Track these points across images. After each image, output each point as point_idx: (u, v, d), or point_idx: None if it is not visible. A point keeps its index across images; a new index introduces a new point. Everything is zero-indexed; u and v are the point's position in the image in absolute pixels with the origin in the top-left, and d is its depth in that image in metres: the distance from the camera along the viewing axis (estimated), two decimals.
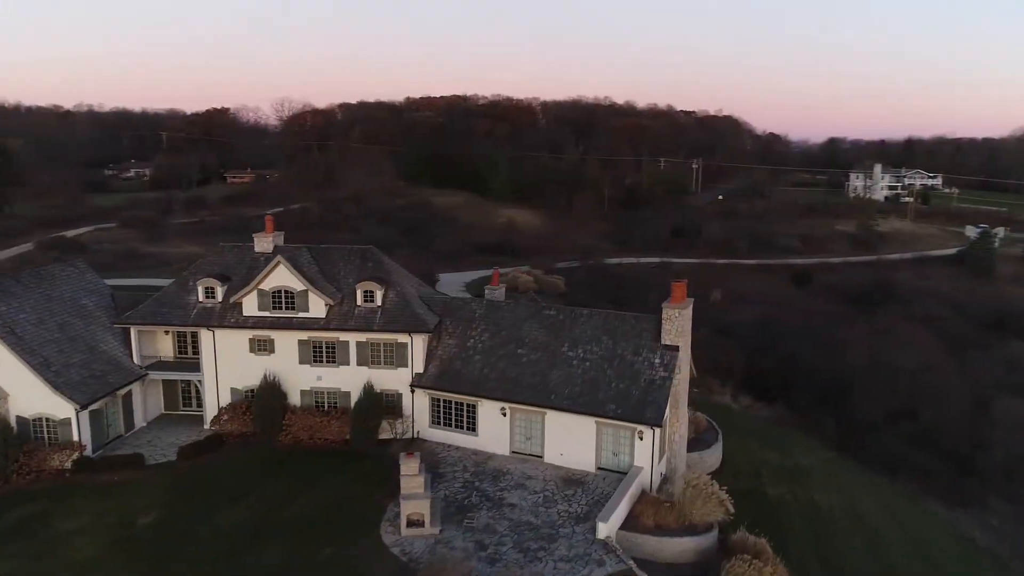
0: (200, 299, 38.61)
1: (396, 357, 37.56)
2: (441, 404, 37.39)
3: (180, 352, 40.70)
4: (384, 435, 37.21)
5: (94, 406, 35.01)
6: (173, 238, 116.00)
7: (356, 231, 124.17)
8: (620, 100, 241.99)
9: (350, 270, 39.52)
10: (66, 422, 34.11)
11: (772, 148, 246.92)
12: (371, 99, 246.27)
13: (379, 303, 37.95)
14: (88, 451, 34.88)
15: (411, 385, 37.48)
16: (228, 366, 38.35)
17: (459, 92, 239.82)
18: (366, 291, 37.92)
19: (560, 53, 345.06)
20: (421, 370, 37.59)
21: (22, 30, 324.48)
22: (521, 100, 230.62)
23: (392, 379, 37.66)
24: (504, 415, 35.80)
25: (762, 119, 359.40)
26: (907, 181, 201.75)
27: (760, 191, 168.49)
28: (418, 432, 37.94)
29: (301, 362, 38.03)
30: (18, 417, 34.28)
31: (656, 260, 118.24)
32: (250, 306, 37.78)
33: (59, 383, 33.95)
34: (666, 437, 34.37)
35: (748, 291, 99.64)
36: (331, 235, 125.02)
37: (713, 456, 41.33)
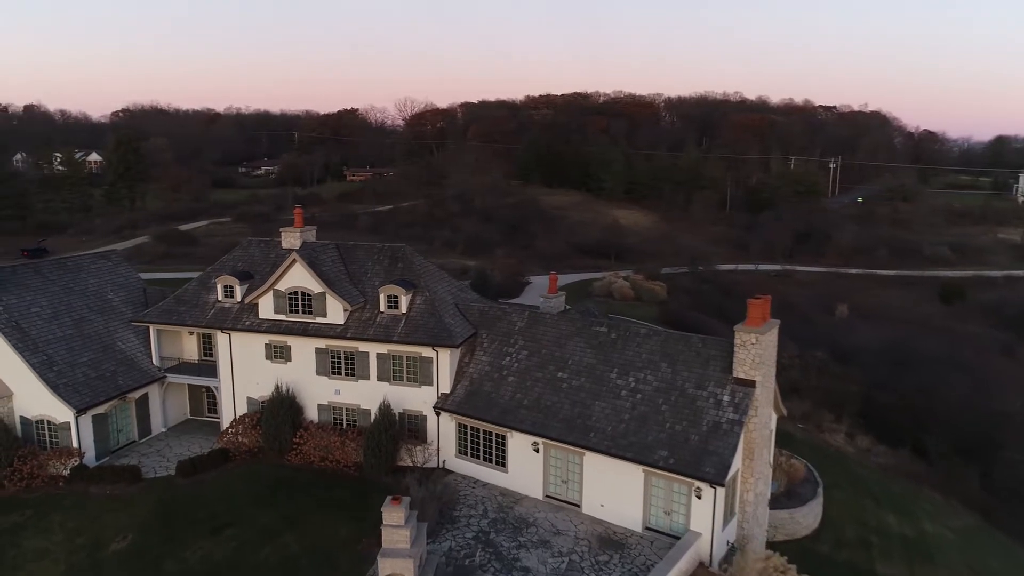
0: (219, 298, 35.37)
1: (420, 373, 32.47)
2: (468, 431, 31.89)
3: (206, 353, 37.81)
4: (406, 462, 32.27)
5: (98, 410, 32.46)
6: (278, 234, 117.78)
7: (455, 228, 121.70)
8: (751, 95, 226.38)
9: (377, 271, 34.88)
10: (65, 427, 31.74)
11: (925, 146, 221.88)
12: (492, 98, 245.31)
13: (404, 310, 33.00)
14: (90, 457, 32.39)
15: (436, 407, 32.26)
16: (244, 373, 34.85)
17: (580, 90, 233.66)
18: (390, 296, 33.10)
19: (685, 47, 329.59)
20: (448, 390, 32.28)
21: (176, 39, 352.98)
22: (643, 96, 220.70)
23: (415, 398, 32.61)
24: (536, 451, 29.75)
25: (916, 115, 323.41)
26: None
27: (906, 194, 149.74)
28: (444, 461, 32.65)
29: (318, 373, 33.82)
30: (22, 418, 32.34)
31: (777, 268, 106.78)
32: (266, 308, 34.03)
33: (58, 384, 31.61)
34: (735, 496, 27.00)
35: (881, 307, 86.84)
36: (431, 232, 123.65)
37: (809, 516, 33.26)
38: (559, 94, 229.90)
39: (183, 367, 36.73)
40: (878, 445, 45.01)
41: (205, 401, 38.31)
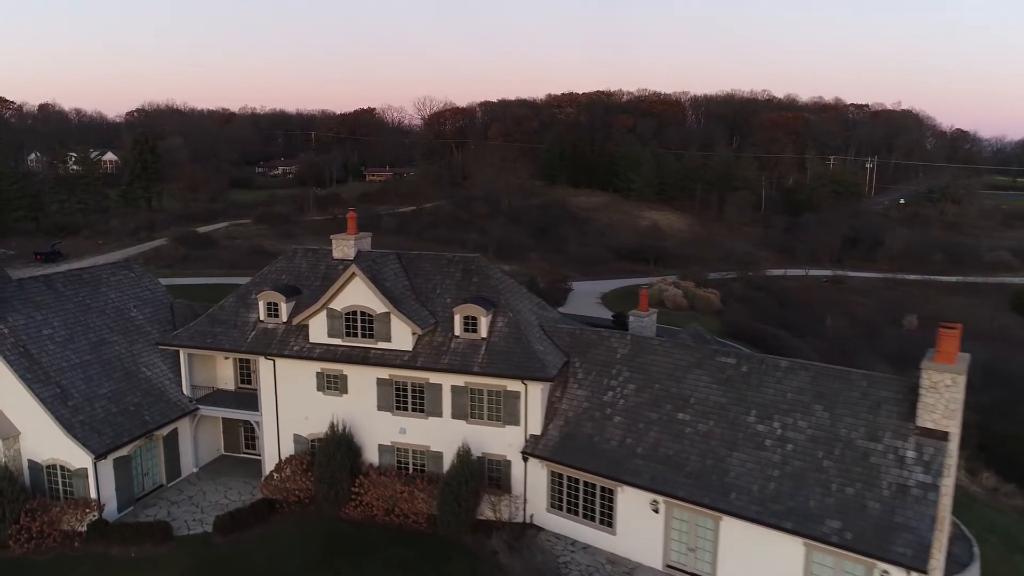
0: (261, 317, 30.10)
1: (505, 411, 27.06)
2: (565, 482, 26.45)
3: (243, 381, 32.58)
4: (486, 515, 26.90)
5: (120, 452, 27.23)
6: (304, 236, 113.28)
7: (483, 231, 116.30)
8: (780, 94, 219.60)
9: (448, 287, 29.49)
10: (82, 473, 26.51)
11: (959, 146, 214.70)
12: (512, 97, 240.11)
13: (484, 334, 27.58)
14: (111, 508, 27.18)
15: (523, 452, 26.83)
16: (291, 406, 29.56)
17: (603, 88, 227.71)
18: (467, 317, 27.68)
19: (707, 45, 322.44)
20: (538, 431, 26.85)
21: (190, 39, 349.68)
22: (669, 95, 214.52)
23: (498, 440, 27.21)
24: (656, 511, 24.26)
25: (947, 113, 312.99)
26: None
27: (952, 195, 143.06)
28: (531, 516, 27.24)
29: (380, 408, 28.48)
30: (31, 463, 27.17)
31: (828, 273, 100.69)
32: (318, 330, 28.71)
33: (74, 423, 26.39)
34: None
35: (950, 317, 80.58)
36: (459, 235, 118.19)
37: None
38: (582, 92, 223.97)
39: (218, 397, 31.49)
40: (1005, 483, 39.23)
41: (242, 435, 33.07)
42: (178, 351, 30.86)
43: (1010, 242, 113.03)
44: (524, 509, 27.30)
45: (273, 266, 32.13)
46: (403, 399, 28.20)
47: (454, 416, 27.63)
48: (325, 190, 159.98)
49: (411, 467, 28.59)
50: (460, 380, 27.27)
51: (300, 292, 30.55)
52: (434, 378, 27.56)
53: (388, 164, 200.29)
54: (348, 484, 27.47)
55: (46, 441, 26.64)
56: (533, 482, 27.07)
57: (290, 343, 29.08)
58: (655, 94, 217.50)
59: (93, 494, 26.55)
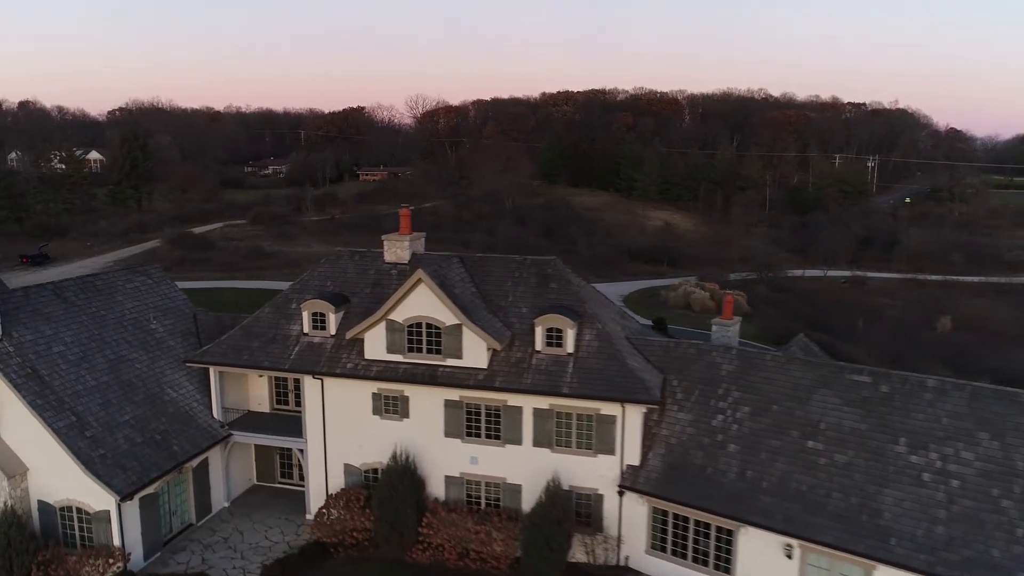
0: (305, 330, 26.20)
1: (597, 437, 23.41)
2: (670, 520, 22.84)
3: (279, 401, 28.68)
4: (576, 557, 23.24)
5: (147, 490, 23.24)
6: (302, 236, 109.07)
7: (491, 231, 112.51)
8: (776, 92, 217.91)
9: (522, 294, 25.78)
10: (103, 516, 22.51)
11: (955, 145, 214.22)
12: (505, 95, 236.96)
13: (570, 349, 23.91)
14: (137, 556, 23.20)
15: (620, 485, 23.19)
16: (342, 432, 25.71)
17: (597, 86, 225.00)
18: (551, 330, 23.99)
19: (698, 43, 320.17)
20: (637, 461, 23.23)
21: (174, 37, 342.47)
22: (666, 93, 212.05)
23: (587, 472, 23.56)
24: (790, 557, 20.71)
25: (942, 113, 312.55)
26: None
27: (959, 193, 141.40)
28: (627, 558, 23.62)
29: (448, 434, 24.70)
30: (41, 504, 23.12)
31: (847, 274, 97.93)
32: (375, 345, 24.88)
33: (93, 457, 22.37)
34: None
35: (982, 319, 78.00)
36: (464, 235, 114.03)
37: None
38: (577, 91, 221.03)
39: (252, 421, 27.54)
40: None
41: (277, 463, 29.16)
42: (207, 369, 26.91)
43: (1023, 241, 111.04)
44: (619, 551, 23.67)
45: (316, 271, 28.21)
46: (475, 424, 24.46)
47: (536, 444, 23.94)
48: (320, 190, 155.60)
49: (483, 502, 24.85)
50: (544, 402, 23.58)
51: (348, 301, 26.71)
52: (513, 400, 23.84)
53: (382, 163, 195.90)
54: (415, 523, 23.68)
55: (60, 479, 22.62)
56: (630, 519, 23.46)
57: (342, 360, 25.22)
58: (652, 92, 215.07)
59: (116, 540, 22.55)
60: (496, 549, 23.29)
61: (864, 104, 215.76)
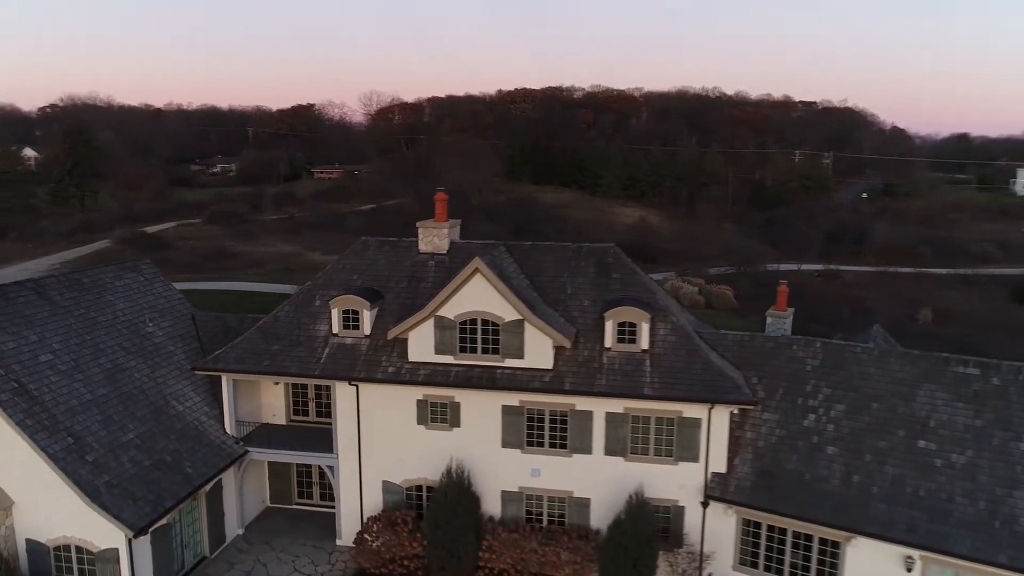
0: (335, 330, 22.98)
1: (679, 443, 20.95)
2: (763, 533, 20.55)
3: (297, 411, 25.35)
4: None
5: (161, 521, 19.71)
6: (263, 235, 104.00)
7: (462, 228, 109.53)
8: (729, 91, 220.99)
9: (582, 286, 23.14)
10: (110, 556, 18.91)
11: (899, 143, 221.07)
12: (460, 93, 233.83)
13: (645, 345, 21.39)
14: None
15: (708, 495, 20.80)
16: (380, 445, 22.61)
17: (554, 84, 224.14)
18: (622, 324, 21.42)
19: (648, 41, 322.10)
20: (723, 468, 20.86)
21: (109, 30, 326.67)
22: (624, 90, 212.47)
23: (667, 481, 21.09)
24: (910, 571, 18.63)
25: (886, 112, 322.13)
26: None
27: (915, 189, 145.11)
28: (710, 575, 21.21)
29: (506, 444, 21.89)
30: (31, 544, 19.36)
31: (820, 268, 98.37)
32: (421, 345, 21.87)
33: (98, 486, 18.76)
34: None
35: (959, 311, 78.97)
36: None
37: None
38: (535, 88, 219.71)
39: (269, 436, 24.12)
40: None
41: (294, 481, 25.78)
42: (215, 378, 23.43)
43: (986, 235, 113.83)
44: (701, 569, 21.27)
45: (341, 262, 24.95)
46: (538, 432, 21.71)
47: (608, 452, 21.34)
48: (275, 188, 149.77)
49: (545, 519, 22.12)
50: (619, 406, 21.00)
51: (382, 297, 23.60)
52: (583, 404, 21.18)
53: (338, 162, 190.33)
54: (475, 547, 20.81)
55: (54, 513, 18.94)
56: (714, 533, 21.09)
57: (381, 363, 22.13)
58: (609, 90, 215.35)
59: None
60: (564, 571, 20.62)
61: (815, 103, 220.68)
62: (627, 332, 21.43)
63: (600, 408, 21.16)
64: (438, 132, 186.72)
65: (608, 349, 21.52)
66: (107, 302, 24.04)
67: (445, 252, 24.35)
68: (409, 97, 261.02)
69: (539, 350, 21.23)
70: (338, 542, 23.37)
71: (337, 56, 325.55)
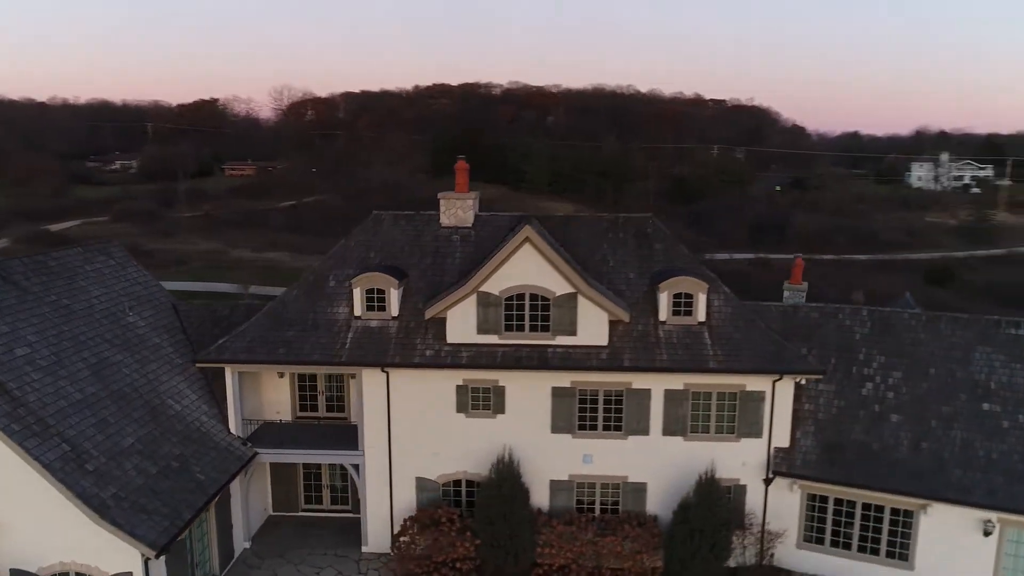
0: (357, 312, 20.57)
1: (741, 419, 19.90)
2: (830, 507, 19.79)
3: (304, 407, 22.67)
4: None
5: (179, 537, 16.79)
6: (181, 233, 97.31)
7: None
8: (643, 88, 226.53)
9: (624, 258, 21.73)
10: None
11: (799, 140, 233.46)
12: (374, 88, 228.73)
13: (701, 317, 20.22)
14: None
15: (773, 471, 19.84)
16: (413, 439, 20.40)
17: (470, 80, 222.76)
18: (678, 295, 20.17)
19: (559, 40, 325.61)
20: (786, 443, 19.97)
21: None
22: (542, 87, 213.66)
23: (728, 459, 19.99)
24: (988, 534, 18.29)
25: (787, 110, 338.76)
26: (955, 172, 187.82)
27: (825, 183, 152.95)
28: (772, 555, 20.30)
29: (556, 430, 20.18)
30: (16, 574, 16.03)
31: (751, 256, 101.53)
32: (462, 325, 19.83)
33: (105, 500, 15.73)
34: None
35: (886, 293, 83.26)
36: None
37: None
38: (454, 84, 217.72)
39: (274, 435, 21.40)
40: None
41: (300, 485, 23.07)
42: (210, 372, 20.55)
43: (892, 223, 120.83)
44: (762, 546, 20.32)
45: (356, 238, 22.46)
46: (591, 414, 20.12)
47: (666, 432, 20.02)
48: (184, 184, 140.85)
49: (597, 508, 20.58)
50: (678, 382, 19.72)
51: (406, 275, 21.36)
52: (640, 382, 19.77)
53: (249, 158, 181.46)
54: (532, 541, 19.01)
55: (47, 536, 15.78)
56: (777, 511, 20.19)
57: (417, 346, 19.92)
58: (527, 86, 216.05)
59: None
60: (625, 558, 19.18)
61: (724, 101, 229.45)
62: (683, 304, 20.18)
63: (659, 385, 19.79)
64: (356, 128, 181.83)
65: (663, 323, 20.20)
66: (80, 288, 20.63)
67: (470, 225, 22.36)
68: (322, 92, 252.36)
69: (593, 326, 19.65)
70: (363, 549, 20.97)
71: (241, 50, 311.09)
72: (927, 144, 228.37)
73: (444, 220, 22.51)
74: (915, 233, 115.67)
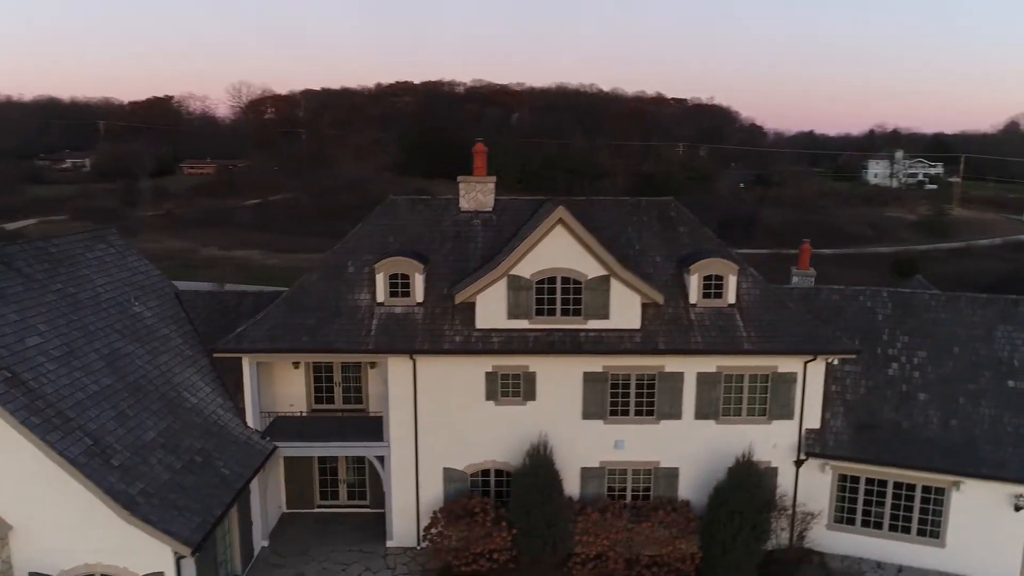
0: (379, 298, 19.89)
1: (773, 401, 19.82)
2: (861, 487, 19.85)
3: (320, 399, 21.86)
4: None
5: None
6: (145, 231, 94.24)
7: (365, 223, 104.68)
8: (606, 87, 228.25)
9: (650, 241, 21.48)
10: None
11: (756, 139, 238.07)
12: (335, 86, 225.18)
13: (731, 299, 20.09)
14: None
15: (806, 452, 19.81)
16: (439, 428, 19.80)
17: (432, 78, 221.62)
18: (709, 278, 19.99)
19: (528, 37, 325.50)
20: (817, 424, 19.96)
21: None
22: (505, 85, 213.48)
23: (759, 442, 19.86)
24: (1019, 508, 18.54)
25: (745, 109, 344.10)
26: (909, 169, 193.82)
27: (784, 179, 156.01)
28: (803, 535, 20.27)
29: (587, 416, 19.81)
30: None
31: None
32: (492, 310, 19.32)
33: (134, 496, 14.81)
34: None
35: (858, 283, 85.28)
36: (338, 226, 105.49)
37: None
38: (417, 82, 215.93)
39: (290, 428, 20.58)
40: None
41: (316, 481, 22.24)
42: (238, 360, 19.63)
43: (855, 218, 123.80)
44: (792, 528, 20.28)
45: (372, 222, 21.73)
46: (623, 399, 19.80)
47: (698, 416, 19.82)
48: (144, 183, 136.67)
49: (629, 494, 20.28)
50: (711, 364, 19.54)
51: (427, 260, 20.74)
52: (673, 365, 19.52)
53: (209, 156, 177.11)
54: (569, 532, 18.60)
55: (70, 536, 14.78)
56: (808, 492, 20.18)
57: (445, 332, 19.33)
58: (491, 84, 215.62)
59: None
60: (661, 545, 18.91)
61: (686, 99, 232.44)
62: (713, 286, 20.01)
63: (692, 368, 19.59)
64: (319, 125, 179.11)
65: (694, 305, 19.99)
66: (84, 276, 19.49)
67: (490, 210, 21.84)
68: (281, 89, 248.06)
69: (626, 309, 19.34)
70: (388, 544, 20.30)
71: (193, 48, 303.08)
72: (880, 143, 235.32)
73: (464, 204, 21.94)
74: (877, 227, 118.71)
